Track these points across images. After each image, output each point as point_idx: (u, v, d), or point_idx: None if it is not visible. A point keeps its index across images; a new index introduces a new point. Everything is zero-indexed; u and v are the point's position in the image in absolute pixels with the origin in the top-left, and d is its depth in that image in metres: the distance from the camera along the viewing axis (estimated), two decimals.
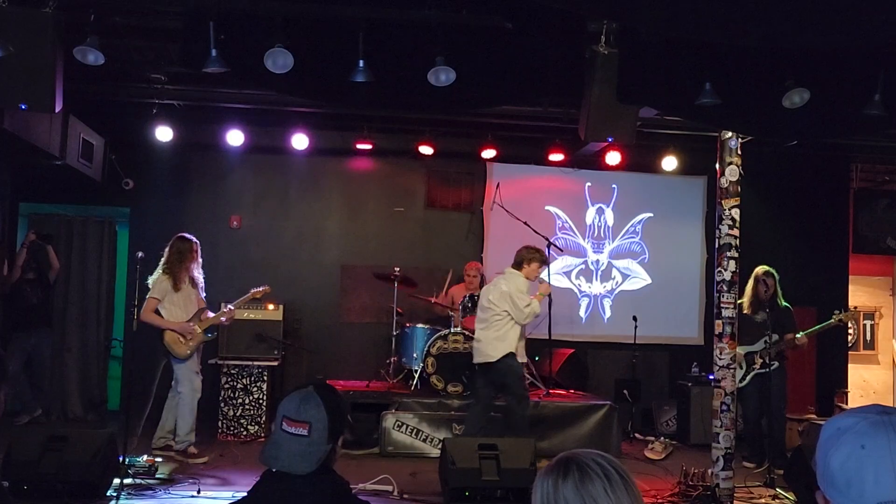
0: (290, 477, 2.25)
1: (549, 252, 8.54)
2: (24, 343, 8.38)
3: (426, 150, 9.19)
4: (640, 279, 9.95)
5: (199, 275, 7.27)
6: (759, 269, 7.58)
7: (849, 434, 1.45)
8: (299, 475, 2.24)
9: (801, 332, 7.46)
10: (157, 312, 6.99)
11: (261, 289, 7.48)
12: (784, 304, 7.61)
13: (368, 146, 9.24)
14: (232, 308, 7.40)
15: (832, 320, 7.47)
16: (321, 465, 2.26)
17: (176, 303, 7.06)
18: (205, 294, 7.36)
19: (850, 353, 10.30)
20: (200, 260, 7.30)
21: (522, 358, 7.22)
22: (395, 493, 6.03)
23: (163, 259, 7.12)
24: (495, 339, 6.91)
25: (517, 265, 7.07)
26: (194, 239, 7.24)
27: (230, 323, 7.58)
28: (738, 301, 6.58)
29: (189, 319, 7.06)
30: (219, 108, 8.57)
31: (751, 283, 7.56)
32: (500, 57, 5.63)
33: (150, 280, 7.04)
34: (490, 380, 7.06)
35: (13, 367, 8.29)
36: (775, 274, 7.57)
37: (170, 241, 7.20)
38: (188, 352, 7.01)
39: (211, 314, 7.27)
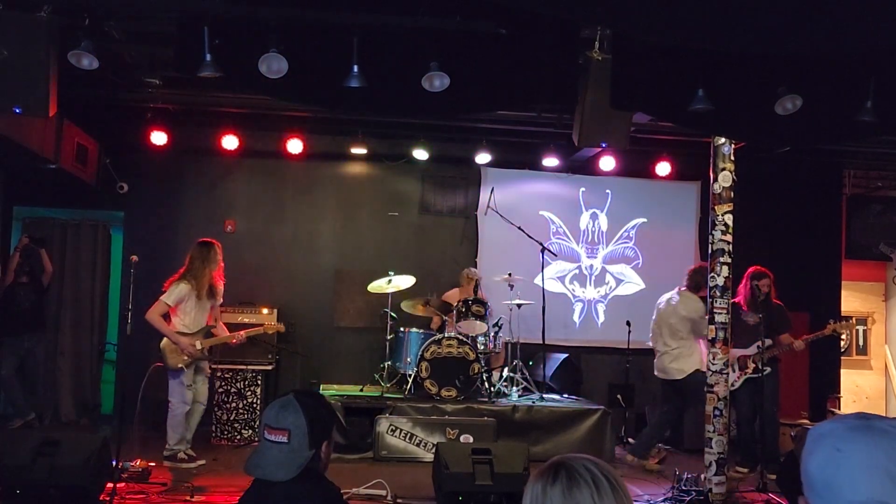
0: (277, 484, 2.26)
1: (542, 257, 8.59)
2: (17, 347, 8.37)
3: (420, 154, 9.22)
4: (633, 284, 9.97)
5: (222, 284, 7.12)
6: (753, 270, 7.59)
7: (826, 439, 1.47)
8: (285, 482, 2.25)
9: (800, 340, 7.49)
10: (166, 317, 6.80)
11: (275, 325, 7.57)
12: (777, 302, 7.61)
13: (363, 151, 9.25)
14: (243, 335, 7.21)
15: (826, 329, 7.47)
16: (306, 471, 2.27)
17: (188, 313, 6.85)
18: (221, 301, 7.23)
19: (842, 358, 10.33)
20: (223, 264, 7.14)
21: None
22: (389, 498, 6.02)
23: (184, 267, 6.92)
24: (682, 355, 7.51)
25: (694, 288, 7.51)
26: (214, 242, 7.09)
27: (237, 345, 7.43)
28: (732, 301, 6.61)
29: (194, 333, 6.88)
30: (213, 112, 8.59)
31: (744, 283, 7.56)
32: (494, 63, 5.64)
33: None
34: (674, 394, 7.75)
35: (6, 371, 8.28)
36: (769, 274, 7.58)
37: (192, 248, 7.05)
38: (180, 364, 6.78)
39: (223, 332, 7.10)
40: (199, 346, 6.87)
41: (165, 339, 6.79)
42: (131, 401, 6.78)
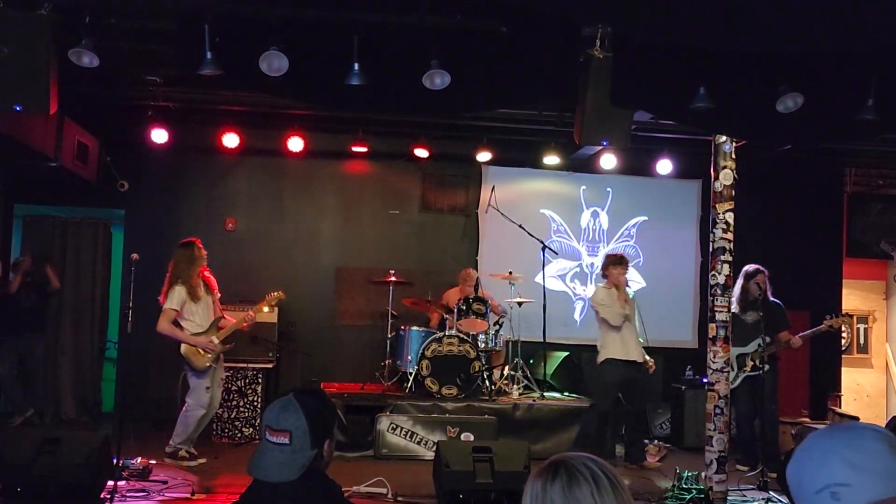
0: (277, 484, 2.25)
1: (543, 255, 8.59)
2: (16, 346, 8.37)
3: (421, 153, 9.21)
4: (634, 282, 9.93)
5: (210, 275, 7.11)
6: (750, 267, 7.57)
7: (801, 444, 1.54)
8: (286, 482, 2.24)
9: (797, 336, 7.48)
10: (176, 323, 6.82)
11: (275, 294, 7.50)
12: (774, 300, 7.60)
13: (363, 149, 9.24)
14: (252, 314, 7.24)
15: (822, 325, 7.47)
16: (308, 470, 2.26)
17: (195, 312, 6.88)
18: (219, 294, 7.24)
19: (843, 356, 10.32)
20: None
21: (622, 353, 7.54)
22: (390, 496, 6.02)
23: (169, 273, 6.90)
24: (599, 346, 7.65)
25: (603, 276, 7.71)
26: (194, 240, 7.06)
27: (249, 329, 7.43)
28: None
29: (206, 330, 6.90)
30: (214, 110, 8.58)
31: (741, 281, 7.53)
32: (495, 60, 5.64)
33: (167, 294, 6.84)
34: None
35: (3, 369, 8.29)
36: (764, 270, 7.56)
37: (173, 252, 7.02)
38: (206, 364, 6.81)
39: (230, 321, 7.12)
40: (215, 342, 6.91)
41: (184, 345, 6.80)
42: (132, 400, 6.78)
